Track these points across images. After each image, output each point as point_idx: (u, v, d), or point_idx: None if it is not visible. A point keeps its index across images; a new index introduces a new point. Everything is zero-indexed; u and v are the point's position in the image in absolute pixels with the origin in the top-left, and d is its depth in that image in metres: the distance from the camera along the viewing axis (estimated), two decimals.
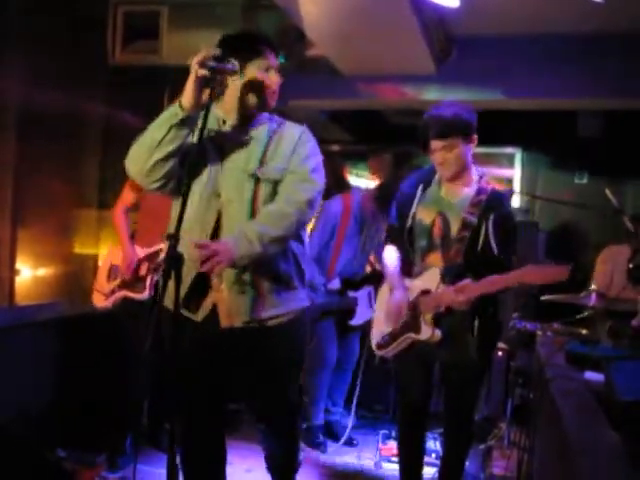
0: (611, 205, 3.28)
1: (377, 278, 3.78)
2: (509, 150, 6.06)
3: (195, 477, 2.43)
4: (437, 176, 2.76)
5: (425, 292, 2.70)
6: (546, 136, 5.62)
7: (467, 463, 3.64)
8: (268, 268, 2.25)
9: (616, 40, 4.31)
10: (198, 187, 2.23)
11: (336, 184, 4.90)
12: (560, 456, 1.66)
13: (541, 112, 5.00)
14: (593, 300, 2.87)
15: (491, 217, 2.62)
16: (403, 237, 2.78)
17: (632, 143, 5.30)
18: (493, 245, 2.62)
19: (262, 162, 2.24)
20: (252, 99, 2.23)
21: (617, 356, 2.04)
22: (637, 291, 2.39)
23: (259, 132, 2.30)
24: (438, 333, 2.66)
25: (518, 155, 6.03)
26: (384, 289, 2.93)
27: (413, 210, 2.74)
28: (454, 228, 2.66)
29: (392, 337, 2.80)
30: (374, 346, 2.91)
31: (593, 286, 3.36)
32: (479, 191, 2.69)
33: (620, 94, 4.36)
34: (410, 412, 2.91)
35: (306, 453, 3.85)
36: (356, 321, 4.04)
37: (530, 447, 2.78)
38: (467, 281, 2.53)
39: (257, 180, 2.22)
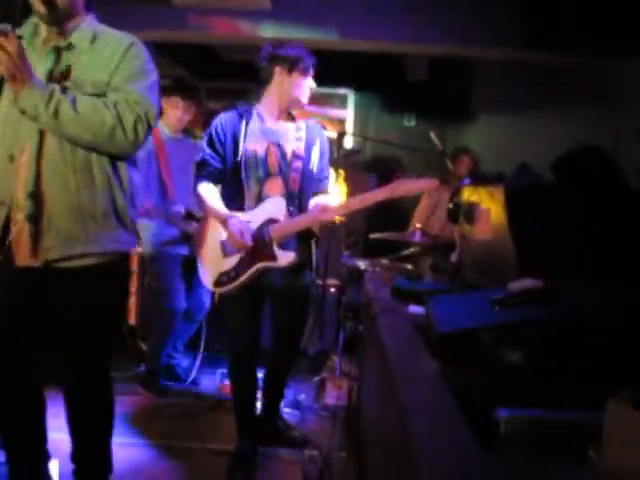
0: (435, 147, 3.47)
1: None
2: (342, 91, 6.16)
3: (11, 431, 2.28)
4: (255, 110, 2.93)
5: (271, 221, 2.79)
6: (378, 78, 5.77)
7: (302, 395, 3.83)
8: (75, 201, 2.08)
9: None
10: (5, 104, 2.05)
11: None
12: (385, 383, 1.76)
13: (374, 54, 5.11)
14: (417, 237, 3.03)
15: (314, 148, 2.92)
16: (225, 173, 2.86)
17: (454, 87, 5.61)
18: (316, 172, 2.94)
19: (71, 73, 2.07)
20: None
21: (437, 290, 2.18)
22: (456, 229, 2.57)
23: (74, 39, 2.11)
24: (296, 256, 2.79)
25: (351, 96, 6.15)
26: (211, 225, 2.91)
27: (241, 143, 2.82)
28: (289, 157, 2.87)
29: (239, 271, 2.81)
30: (210, 285, 2.89)
31: (418, 224, 3.55)
32: (298, 127, 2.96)
33: (446, 41, 4.58)
34: (241, 346, 2.95)
35: (146, 397, 3.81)
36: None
37: (359, 376, 2.93)
38: (325, 201, 2.81)
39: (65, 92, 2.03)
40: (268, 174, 2.84)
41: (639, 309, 1.42)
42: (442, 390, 1.40)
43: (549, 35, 4.13)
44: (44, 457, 2.36)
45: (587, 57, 4.56)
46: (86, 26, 2.15)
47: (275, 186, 2.85)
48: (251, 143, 2.84)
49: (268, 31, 4.64)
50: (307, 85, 2.92)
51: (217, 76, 5.97)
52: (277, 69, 2.87)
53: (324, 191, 3.00)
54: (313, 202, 2.91)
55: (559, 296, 1.54)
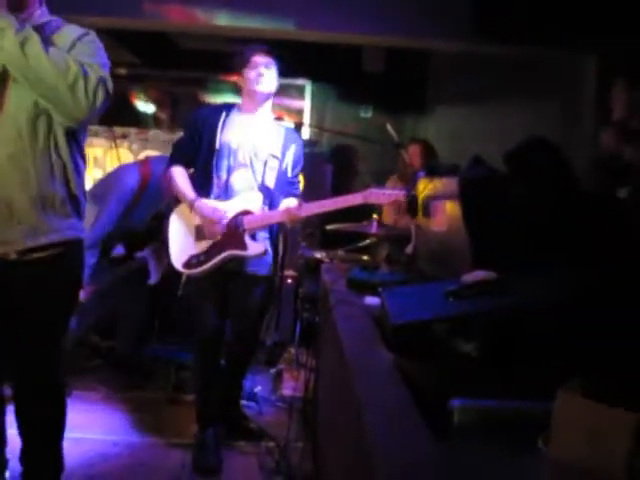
0: (391, 139, 3.48)
1: (157, 231, 3.73)
2: (300, 82, 6.13)
3: None
4: (237, 107, 3.07)
5: (247, 212, 2.90)
6: (335, 69, 5.77)
7: (259, 387, 3.82)
8: (35, 190, 2.03)
9: None
10: None
11: (121, 110, 4.60)
12: (340, 375, 1.76)
13: (331, 45, 5.10)
14: (374, 228, 3.04)
15: (289, 151, 3.05)
16: (200, 158, 2.97)
17: (411, 79, 5.64)
18: (289, 172, 3.07)
19: None
20: None
21: (392, 281, 2.20)
22: (411, 221, 2.59)
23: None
24: (265, 248, 2.93)
25: (308, 87, 6.13)
26: (182, 210, 3.01)
27: (218, 133, 2.94)
28: (263, 155, 2.98)
29: (210, 255, 2.90)
30: (180, 266, 2.95)
31: (374, 215, 3.56)
32: (276, 129, 3.08)
33: (401, 33, 4.59)
34: (207, 334, 2.97)
35: (102, 391, 3.76)
36: (153, 280, 3.93)
37: (316, 367, 2.94)
38: (297, 201, 2.93)
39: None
40: (238, 165, 2.95)
41: (590, 299, 1.45)
42: (396, 381, 1.40)
43: (501, 28, 4.18)
44: (2, 464, 2.31)
45: (540, 50, 4.63)
46: (38, 17, 2.09)
47: (243, 178, 2.96)
48: (227, 134, 2.96)
49: (223, 20, 4.58)
50: (255, 72, 2.96)
51: (174, 65, 5.88)
52: (236, 76, 3.06)
53: (295, 194, 3.12)
54: (285, 203, 3.01)
55: (511, 287, 1.57)
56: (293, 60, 5.58)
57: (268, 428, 3.26)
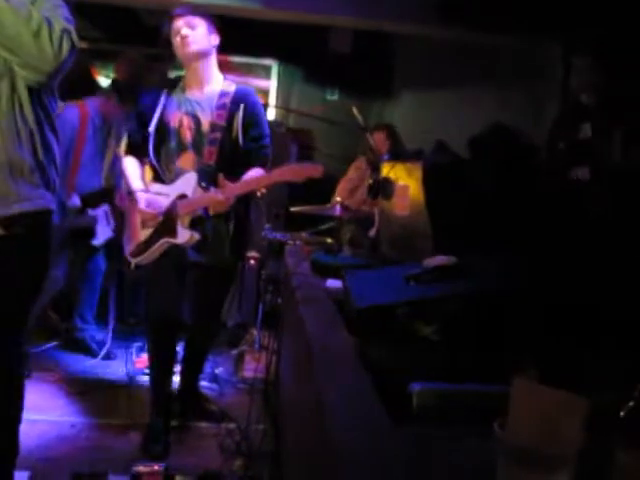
0: (357, 122, 3.47)
1: (112, 193, 3.68)
2: (266, 62, 6.07)
3: None
4: (182, 82, 2.86)
5: (182, 196, 2.74)
6: (302, 50, 5.72)
7: (220, 368, 3.81)
8: (3, 157, 1.96)
9: None
10: None
11: (82, 85, 4.48)
12: (302, 358, 1.76)
13: (298, 25, 5.05)
14: (337, 211, 3.04)
15: (238, 115, 2.77)
16: (146, 145, 2.80)
17: (378, 62, 5.63)
18: (244, 142, 2.78)
19: None
20: None
21: (355, 265, 2.20)
22: (375, 204, 2.59)
23: None
24: (196, 236, 2.74)
25: (275, 67, 6.07)
26: (135, 199, 2.86)
27: (158, 114, 2.77)
28: (204, 128, 2.77)
29: (147, 244, 2.80)
30: (128, 254, 2.87)
31: (338, 197, 3.56)
32: (223, 93, 2.81)
33: (367, 14, 4.57)
34: (161, 319, 2.89)
35: (57, 374, 3.70)
36: (98, 241, 3.86)
37: (278, 349, 2.94)
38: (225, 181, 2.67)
39: None
40: (181, 147, 2.78)
41: (548, 284, 1.48)
42: (357, 365, 1.41)
43: (468, 14, 4.19)
44: None
45: (506, 37, 4.66)
46: None
47: (188, 160, 2.79)
48: (167, 114, 2.79)
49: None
50: (177, 38, 2.75)
51: (139, 41, 5.75)
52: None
53: (261, 163, 2.84)
54: (246, 175, 2.77)
55: (471, 272, 1.58)
56: (260, 40, 5.57)
57: (229, 410, 3.25)
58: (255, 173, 2.75)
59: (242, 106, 2.78)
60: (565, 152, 3.49)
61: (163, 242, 2.77)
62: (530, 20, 4.22)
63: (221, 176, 2.67)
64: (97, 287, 4.05)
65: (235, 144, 2.78)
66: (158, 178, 2.84)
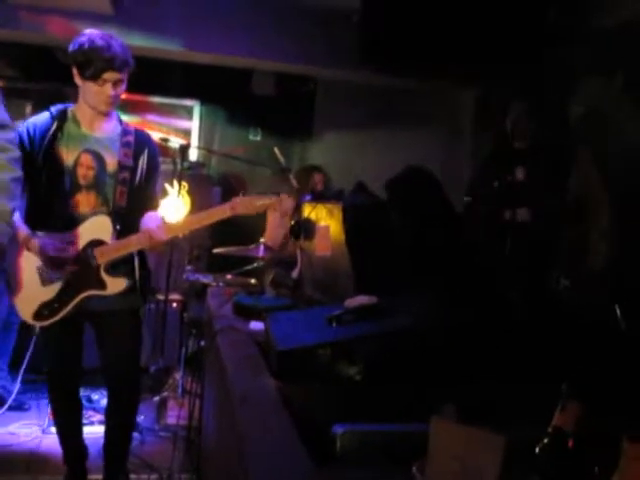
0: (279, 162, 3.50)
1: None
2: (188, 102, 6.05)
3: None
4: (71, 112, 2.55)
5: (96, 242, 2.47)
6: (224, 90, 5.74)
7: (142, 416, 3.67)
8: None
9: (294, 6, 4.59)
10: None
11: None
12: (224, 403, 1.73)
13: (221, 67, 5.08)
14: (261, 252, 3.03)
15: (143, 156, 2.60)
16: (34, 183, 2.46)
17: (300, 104, 5.73)
18: (144, 184, 2.60)
19: None
20: None
21: (277, 306, 2.19)
22: (297, 245, 2.60)
23: None
24: (127, 283, 2.52)
25: (197, 108, 6.05)
26: (21, 251, 2.49)
27: (49, 150, 2.45)
28: (110, 168, 2.54)
29: (63, 300, 2.48)
30: (29, 318, 2.50)
31: (262, 238, 3.56)
32: (125, 131, 2.60)
33: (289, 58, 4.67)
34: (57, 372, 2.70)
35: None
36: None
37: (201, 394, 2.87)
38: (158, 222, 2.49)
39: None
40: (76, 188, 2.49)
41: (467, 325, 1.51)
42: (280, 409, 1.40)
43: (386, 58, 4.34)
44: None
45: (423, 81, 4.85)
46: None
47: (86, 202, 2.51)
48: (60, 151, 2.48)
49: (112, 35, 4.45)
50: (104, 93, 2.45)
51: (55, 78, 5.62)
52: (73, 70, 2.46)
53: (155, 206, 2.68)
54: (146, 220, 2.56)
55: (391, 311, 1.60)
56: (181, 80, 5.57)
57: (151, 459, 3.14)
58: (154, 217, 2.58)
59: (146, 152, 2.62)
60: (499, 191, 3.67)
61: (85, 296, 2.49)
62: (446, 65, 4.41)
63: (148, 216, 2.54)
64: (13, 335, 3.85)
65: (138, 186, 2.59)
66: (41, 223, 2.48)
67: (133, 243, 2.46)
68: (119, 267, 2.53)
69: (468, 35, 4.16)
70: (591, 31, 3.86)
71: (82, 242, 2.47)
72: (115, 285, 2.50)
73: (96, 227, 2.48)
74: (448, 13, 4.10)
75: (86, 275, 2.47)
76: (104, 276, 2.48)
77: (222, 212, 2.45)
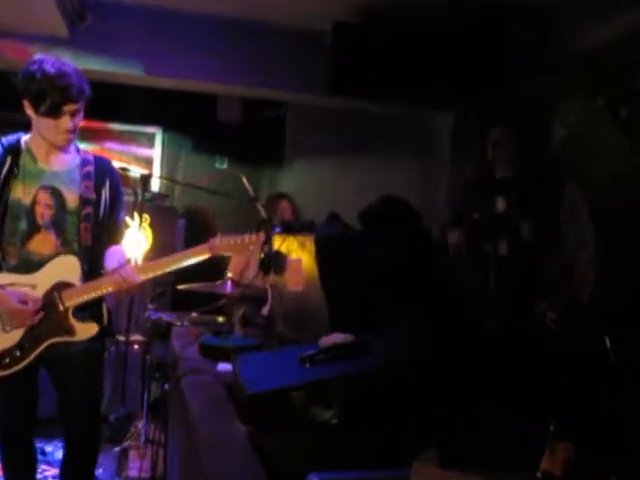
0: (247, 192, 3.51)
1: None
2: (150, 129, 6.05)
3: None
4: (25, 144, 2.49)
5: (63, 285, 2.42)
6: (188, 117, 5.76)
7: (101, 469, 3.59)
8: None
9: (259, 30, 4.64)
10: None
11: None
12: (190, 451, 1.70)
13: (184, 93, 5.11)
14: (228, 288, 3.02)
15: (105, 186, 2.55)
16: None
17: (268, 131, 5.77)
18: (108, 216, 2.55)
19: None
20: None
21: (247, 346, 2.18)
22: (267, 280, 2.59)
23: None
24: (97, 327, 2.47)
25: (159, 135, 6.05)
26: None
27: (4, 188, 2.40)
28: (71, 205, 2.48)
29: (26, 348, 2.42)
30: None
31: (229, 273, 3.54)
32: (84, 161, 2.55)
33: (256, 83, 4.71)
34: (12, 426, 2.61)
35: None
36: None
37: (165, 443, 2.83)
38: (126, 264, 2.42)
39: None
40: (34, 228, 2.43)
41: (448, 363, 1.51)
42: (251, 457, 1.38)
43: (356, 84, 4.41)
44: None
45: (396, 107, 4.93)
46: None
47: (44, 243, 2.44)
48: (15, 188, 2.43)
49: (65, 60, 4.45)
50: (61, 127, 2.40)
51: (10, 106, 5.60)
52: (25, 102, 2.40)
53: (119, 239, 2.65)
54: (110, 257, 2.53)
55: (369, 349, 1.60)
56: (142, 106, 5.57)
57: None
58: (118, 252, 2.55)
59: (108, 181, 2.58)
60: (479, 222, 3.71)
61: (52, 342, 2.43)
62: (420, 91, 4.50)
63: (112, 253, 2.50)
64: None
65: (102, 221, 2.55)
66: None
67: (104, 285, 2.41)
68: (85, 310, 2.48)
69: (439, 61, 4.28)
70: (561, 54, 3.99)
71: (47, 285, 2.42)
72: (85, 331, 2.45)
73: (62, 268, 2.43)
74: (420, 39, 4.22)
75: (52, 321, 2.41)
76: (72, 321, 2.43)
77: (200, 252, 2.43)
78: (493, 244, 3.65)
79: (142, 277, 2.42)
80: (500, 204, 3.72)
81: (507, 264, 3.59)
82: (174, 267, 2.46)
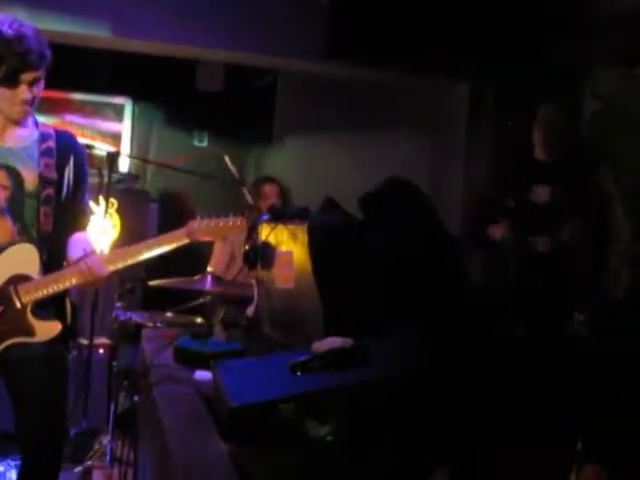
0: (230, 174, 3.51)
1: None
2: (117, 100, 6.04)
3: None
4: None
5: (18, 278, 2.43)
6: (162, 86, 5.75)
7: None
8: None
9: None
10: None
11: None
12: (163, 471, 1.71)
13: (157, 57, 5.09)
14: (209, 284, 3.02)
15: (69, 164, 2.55)
16: None
17: (255, 104, 5.75)
18: (71, 199, 2.56)
19: None
20: None
21: (229, 351, 2.18)
22: (253, 275, 2.59)
23: None
24: (60, 326, 2.47)
25: (128, 107, 6.05)
26: None
27: None
28: (29, 186, 2.47)
29: None
30: None
31: (210, 267, 3.55)
32: (44, 136, 2.55)
33: (241, 47, 4.70)
34: None
35: None
36: None
37: (135, 462, 2.84)
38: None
39: None
40: None
41: (461, 372, 1.52)
42: (232, 478, 1.39)
43: (356, 46, 4.39)
44: None
45: (405, 75, 4.92)
46: None
47: (0, 229, 2.45)
48: None
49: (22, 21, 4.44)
50: (18, 97, 2.40)
51: None
52: None
53: (84, 226, 2.66)
54: (73, 245, 2.54)
55: (369, 357, 1.61)
56: (109, 73, 5.56)
57: None
58: (82, 240, 2.55)
59: (72, 159, 2.58)
60: (515, 212, 3.66)
61: (11, 344, 2.44)
62: (434, 57, 4.48)
63: (76, 240, 2.51)
64: None
65: (64, 204, 2.55)
66: None
67: (67, 277, 2.42)
68: (47, 307, 2.48)
69: (453, 21, 4.24)
70: (594, 18, 3.96)
71: (1, 279, 2.42)
72: (46, 330, 2.45)
73: (18, 259, 2.44)
74: None
75: (8, 320, 2.42)
76: (31, 319, 2.43)
77: (176, 239, 2.41)
78: (530, 240, 3.57)
79: (110, 268, 2.42)
80: (542, 193, 3.61)
81: (545, 264, 3.53)
82: (146, 255, 2.44)
